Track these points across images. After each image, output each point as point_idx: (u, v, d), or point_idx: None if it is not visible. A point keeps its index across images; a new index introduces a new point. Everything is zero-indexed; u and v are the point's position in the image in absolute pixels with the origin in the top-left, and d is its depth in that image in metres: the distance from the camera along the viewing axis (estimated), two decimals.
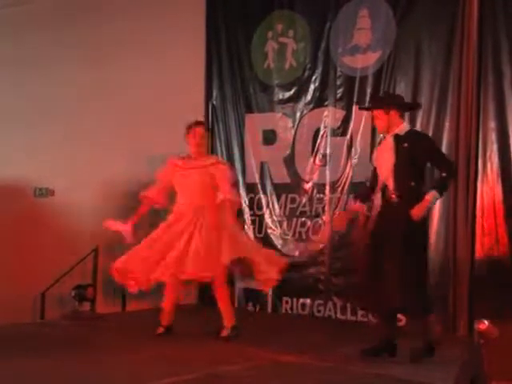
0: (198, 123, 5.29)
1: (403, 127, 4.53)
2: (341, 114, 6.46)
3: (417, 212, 4.30)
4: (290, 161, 6.78)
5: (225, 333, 5.09)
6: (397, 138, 4.47)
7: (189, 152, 5.26)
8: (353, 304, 5.96)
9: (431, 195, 4.34)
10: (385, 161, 4.51)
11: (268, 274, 5.07)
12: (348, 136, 6.40)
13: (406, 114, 6.02)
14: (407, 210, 4.31)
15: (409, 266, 4.27)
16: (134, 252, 5.06)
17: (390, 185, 4.46)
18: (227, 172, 5.22)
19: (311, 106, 6.68)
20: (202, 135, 5.28)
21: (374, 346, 4.49)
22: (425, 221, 4.47)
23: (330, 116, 6.53)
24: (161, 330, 5.17)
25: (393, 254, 4.30)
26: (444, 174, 4.42)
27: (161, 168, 5.30)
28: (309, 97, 6.69)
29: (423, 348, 4.40)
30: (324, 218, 6.50)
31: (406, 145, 4.42)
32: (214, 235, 4.97)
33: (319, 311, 6.42)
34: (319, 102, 6.61)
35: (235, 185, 5.71)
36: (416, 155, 4.40)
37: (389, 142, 4.51)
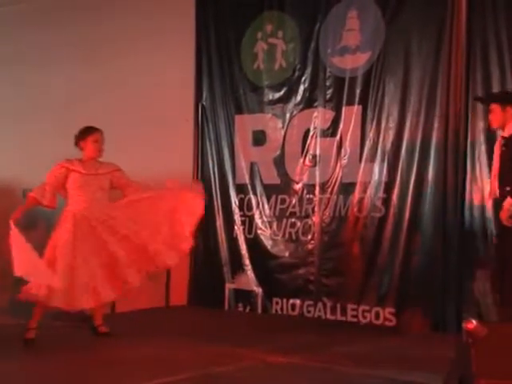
0: (96, 129, 5.28)
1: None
2: (330, 114, 6.47)
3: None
4: (279, 161, 6.79)
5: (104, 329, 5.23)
6: (502, 139, 4.49)
7: (86, 156, 5.23)
8: None
9: None
10: (494, 161, 4.54)
11: (165, 261, 5.16)
12: (338, 137, 6.41)
13: (394, 115, 6.09)
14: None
15: None
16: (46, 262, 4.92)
17: (494, 187, 4.47)
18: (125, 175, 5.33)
19: (301, 106, 6.68)
20: (103, 140, 5.29)
21: None
22: None
23: (319, 117, 6.54)
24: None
25: None
26: None
27: (53, 170, 5.22)
28: (298, 97, 6.70)
29: None
30: (314, 218, 6.52)
31: (504, 148, 4.44)
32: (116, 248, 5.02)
33: (309, 312, 6.43)
34: (309, 102, 6.62)
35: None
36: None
37: (498, 142, 4.54)
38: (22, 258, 4.78)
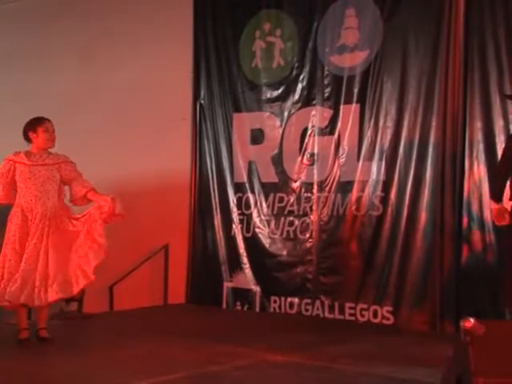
0: (45, 118, 5.09)
1: None
2: (328, 113, 6.47)
3: None
4: (277, 160, 6.79)
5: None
6: None
7: (36, 147, 5.03)
8: None
9: None
10: None
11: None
12: (335, 135, 6.41)
13: (392, 113, 6.10)
14: None
15: None
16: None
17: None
18: (76, 168, 5.11)
19: (299, 105, 6.69)
20: (54, 129, 5.09)
21: None
22: None
23: (317, 115, 6.54)
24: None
25: None
26: None
27: (0, 166, 5.06)
28: (296, 96, 6.70)
29: None
30: (312, 217, 6.52)
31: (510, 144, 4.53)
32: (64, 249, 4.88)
33: (307, 310, 6.43)
34: (307, 101, 6.63)
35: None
36: None
37: None
38: None
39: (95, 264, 4.85)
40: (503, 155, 4.72)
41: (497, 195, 4.59)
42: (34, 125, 5.06)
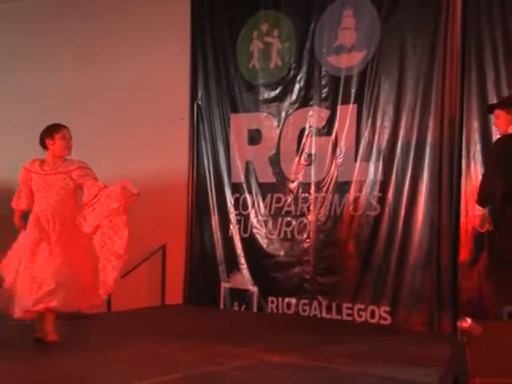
0: (62, 125, 5.04)
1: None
2: (326, 113, 6.48)
3: None
4: (275, 160, 6.80)
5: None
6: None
7: (52, 155, 5.00)
8: None
9: None
10: None
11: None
12: (333, 136, 6.42)
13: (389, 114, 6.10)
14: None
15: None
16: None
17: None
18: (88, 172, 5.06)
19: (296, 105, 6.69)
20: (71, 137, 5.05)
21: None
22: None
23: (314, 116, 6.55)
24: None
25: None
26: None
27: (19, 174, 5.07)
28: (294, 96, 6.70)
29: None
30: (309, 217, 6.52)
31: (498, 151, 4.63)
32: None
33: (304, 310, 6.44)
34: (304, 101, 6.63)
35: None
36: None
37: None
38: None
39: (115, 275, 4.83)
40: (492, 162, 4.72)
41: (484, 201, 4.60)
42: (52, 132, 5.01)
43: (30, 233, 4.89)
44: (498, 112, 4.70)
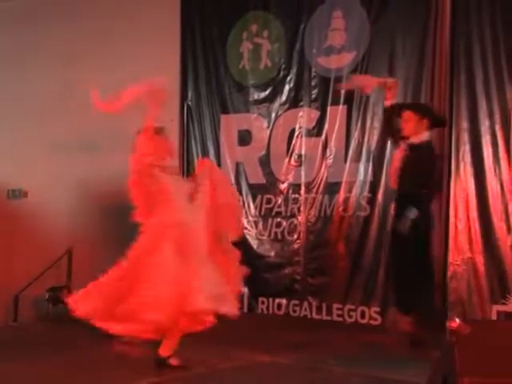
0: (161, 128, 4.75)
1: None
2: (316, 114, 6.49)
3: None
4: (265, 161, 6.80)
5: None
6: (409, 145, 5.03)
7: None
8: None
9: None
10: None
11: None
12: (323, 136, 6.43)
13: (379, 114, 6.11)
14: None
15: None
16: None
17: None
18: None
19: (286, 106, 6.70)
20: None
21: None
22: None
23: (304, 116, 6.56)
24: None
25: None
26: None
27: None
28: (284, 97, 6.71)
29: None
30: (299, 218, 6.52)
31: (409, 153, 5.02)
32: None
33: (295, 311, 6.44)
34: (294, 102, 6.64)
35: None
36: None
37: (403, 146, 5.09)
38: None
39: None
40: None
41: None
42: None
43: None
44: (410, 115, 4.77)
